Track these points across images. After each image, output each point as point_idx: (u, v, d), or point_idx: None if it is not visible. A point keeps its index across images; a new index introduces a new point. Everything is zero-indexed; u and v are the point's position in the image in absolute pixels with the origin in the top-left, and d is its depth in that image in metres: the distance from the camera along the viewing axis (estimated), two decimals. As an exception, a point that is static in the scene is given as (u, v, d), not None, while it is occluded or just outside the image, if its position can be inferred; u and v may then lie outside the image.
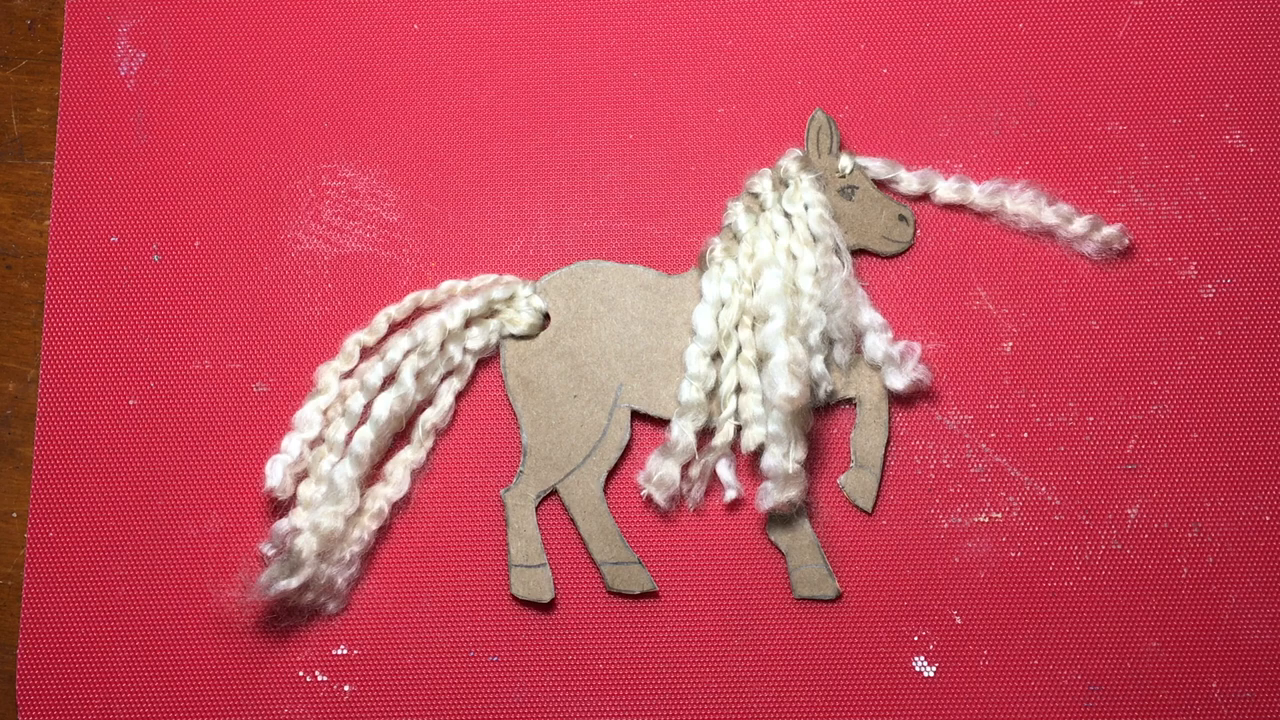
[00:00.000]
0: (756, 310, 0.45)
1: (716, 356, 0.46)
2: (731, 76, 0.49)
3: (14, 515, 0.48)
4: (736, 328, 0.46)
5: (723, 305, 0.46)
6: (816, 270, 0.45)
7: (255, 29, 0.50)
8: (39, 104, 0.50)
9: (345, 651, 0.46)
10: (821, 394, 0.46)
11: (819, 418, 0.47)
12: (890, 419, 0.47)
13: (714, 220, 0.48)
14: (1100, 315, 0.47)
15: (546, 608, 0.46)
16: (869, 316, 0.46)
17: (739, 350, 0.46)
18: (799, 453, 0.44)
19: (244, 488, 0.47)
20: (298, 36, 0.50)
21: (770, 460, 0.44)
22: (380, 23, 0.50)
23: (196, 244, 0.48)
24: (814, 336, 0.45)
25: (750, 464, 0.46)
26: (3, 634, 0.47)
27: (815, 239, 0.46)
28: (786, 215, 0.46)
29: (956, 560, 0.46)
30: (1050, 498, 0.46)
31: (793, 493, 0.44)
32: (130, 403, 0.48)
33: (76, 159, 0.49)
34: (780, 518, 0.46)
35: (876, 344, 0.46)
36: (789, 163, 0.47)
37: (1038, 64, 0.49)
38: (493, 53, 0.50)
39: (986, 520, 0.47)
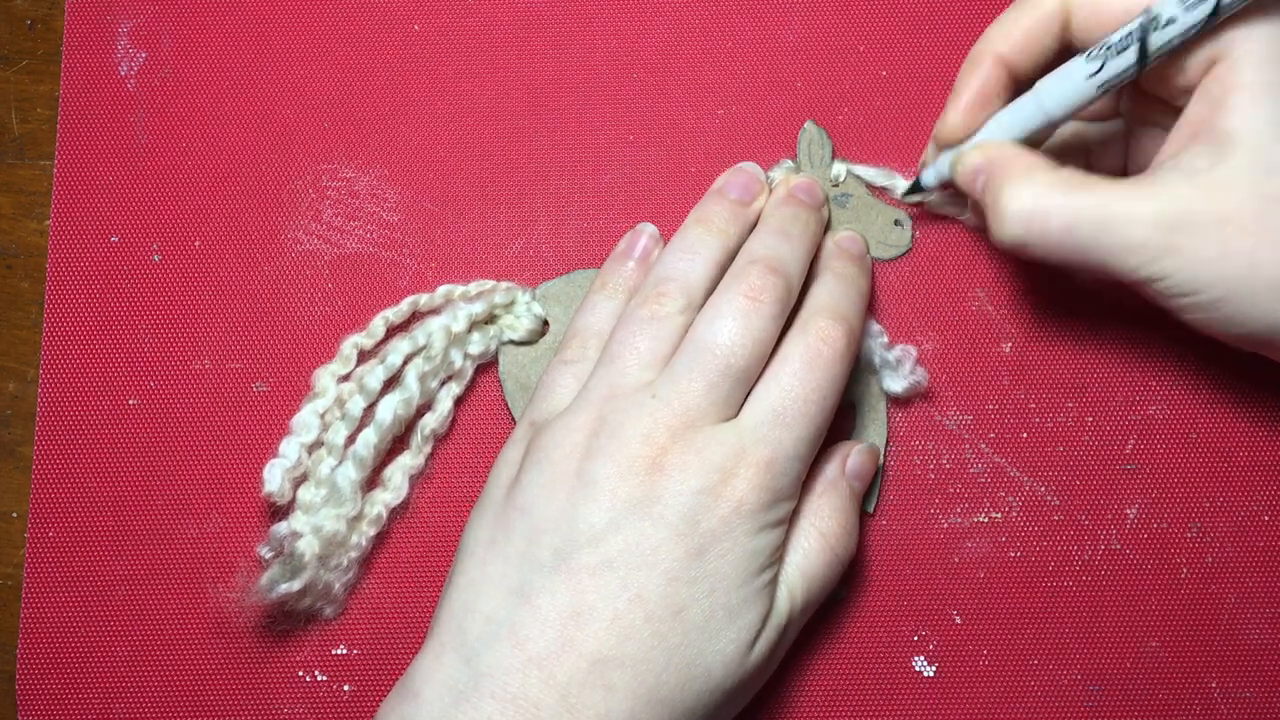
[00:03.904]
0: None
1: None
2: (731, 79, 0.49)
3: (14, 515, 0.48)
4: None
5: None
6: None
7: (255, 29, 0.50)
8: (39, 104, 0.50)
9: (345, 651, 0.46)
10: None
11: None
12: (888, 420, 0.47)
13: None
14: (1100, 315, 0.47)
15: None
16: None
17: None
18: None
19: (244, 488, 0.47)
20: (298, 36, 0.50)
21: None
22: (380, 23, 0.50)
23: (196, 244, 0.49)
24: None
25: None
26: (3, 634, 0.47)
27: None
28: None
29: (956, 560, 0.46)
30: (1050, 498, 0.47)
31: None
32: (130, 402, 0.48)
33: (76, 159, 0.49)
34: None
35: (871, 349, 0.46)
36: (779, 174, 0.47)
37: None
38: (493, 53, 0.50)
39: (986, 520, 0.47)
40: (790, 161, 0.48)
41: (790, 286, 0.42)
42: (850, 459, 0.44)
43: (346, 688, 0.46)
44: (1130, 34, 0.40)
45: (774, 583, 0.40)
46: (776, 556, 0.40)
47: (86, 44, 0.50)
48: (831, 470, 0.43)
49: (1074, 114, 0.42)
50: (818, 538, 0.42)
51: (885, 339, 0.46)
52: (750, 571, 0.39)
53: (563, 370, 0.43)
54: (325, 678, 0.46)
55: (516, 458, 0.42)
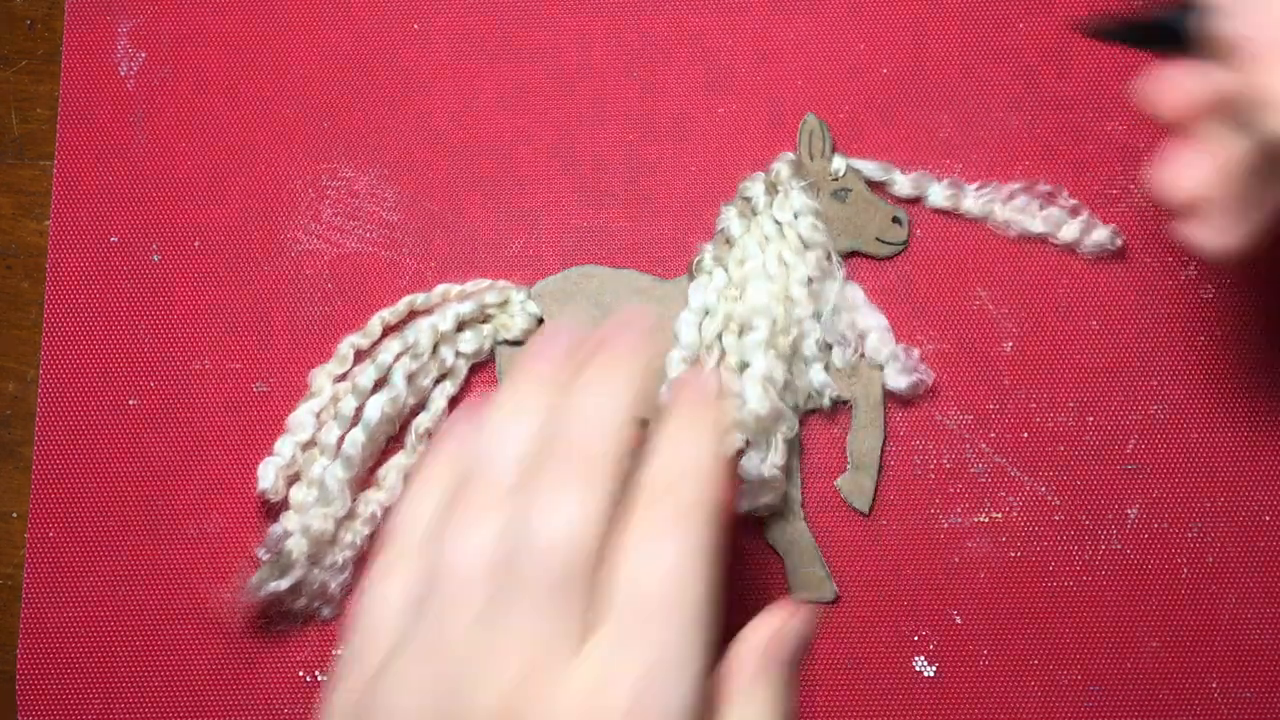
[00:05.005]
0: (741, 319, 0.45)
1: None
2: (732, 76, 0.49)
3: (14, 515, 0.48)
4: (720, 336, 0.46)
5: (707, 313, 0.46)
6: (809, 279, 0.46)
7: (255, 29, 0.50)
8: (39, 104, 0.50)
9: (345, 651, 0.46)
10: (825, 401, 0.46)
11: (816, 420, 0.47)
12: (886, 419, 0.47)
13: (715, 219, 0.48)
14: (1100, 315, 0.47)
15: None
16: (872, 318, 0.46)
17: (721, 357, 0.45)
18: (776, 458, 0.44)
19: (244, 488, 0.47)
20: (298, 36, 0.50)
21: (747, 465, 0.44)
22: (380, 23, 0.50)
23: (196, 244, 0.49)
24: (809, 345, 0.46)
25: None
26: (3, 634, 0.47)
27: (806, 246, 0.46)
28: (777, 222, 0.46)
29: (956, 560, 0.46)
30: (1050, 498, 0.46)
31: (768, 498, 0.44)
32: (130, 403, 0.48)
33: (76, 159, 0.49)
34: (777, 520, 0.46)
35: (879, 345, 0.46)
36: (780, 167, 0.47)
37: (1038, 64, 0.49)
38: (493, 53, 0.50)
39: (986, 520, 0.46)
40: (791, 155, 0.48)
41: (614, 450, 0.33)
42: (767, 643, 0.35)
43: (346, 687, 0.46)
44: None
45: None
46: None
47: (86, 44, 0.50)
48: (750, 664, 0.35)
49: None
50: None
51: (891, 334, 0.46)
52: None
53: (382, 588, 0.35)
54: (325, 678, 0.46)
55: (346, 709, 0.33)
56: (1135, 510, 0.46)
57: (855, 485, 0.46)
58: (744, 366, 0.45)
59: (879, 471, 0.46)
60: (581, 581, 0.31)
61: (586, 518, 0.31)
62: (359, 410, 0.45)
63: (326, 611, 0.46)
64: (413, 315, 0.47)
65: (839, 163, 0.48)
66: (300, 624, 0.46)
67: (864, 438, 0.46)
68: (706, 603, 0.32)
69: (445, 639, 0.31)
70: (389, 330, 0.47)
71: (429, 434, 0.46)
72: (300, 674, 0.46)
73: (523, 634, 0.31)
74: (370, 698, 0.32)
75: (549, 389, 0.35)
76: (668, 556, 0.31)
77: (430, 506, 0.35)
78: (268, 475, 0.44)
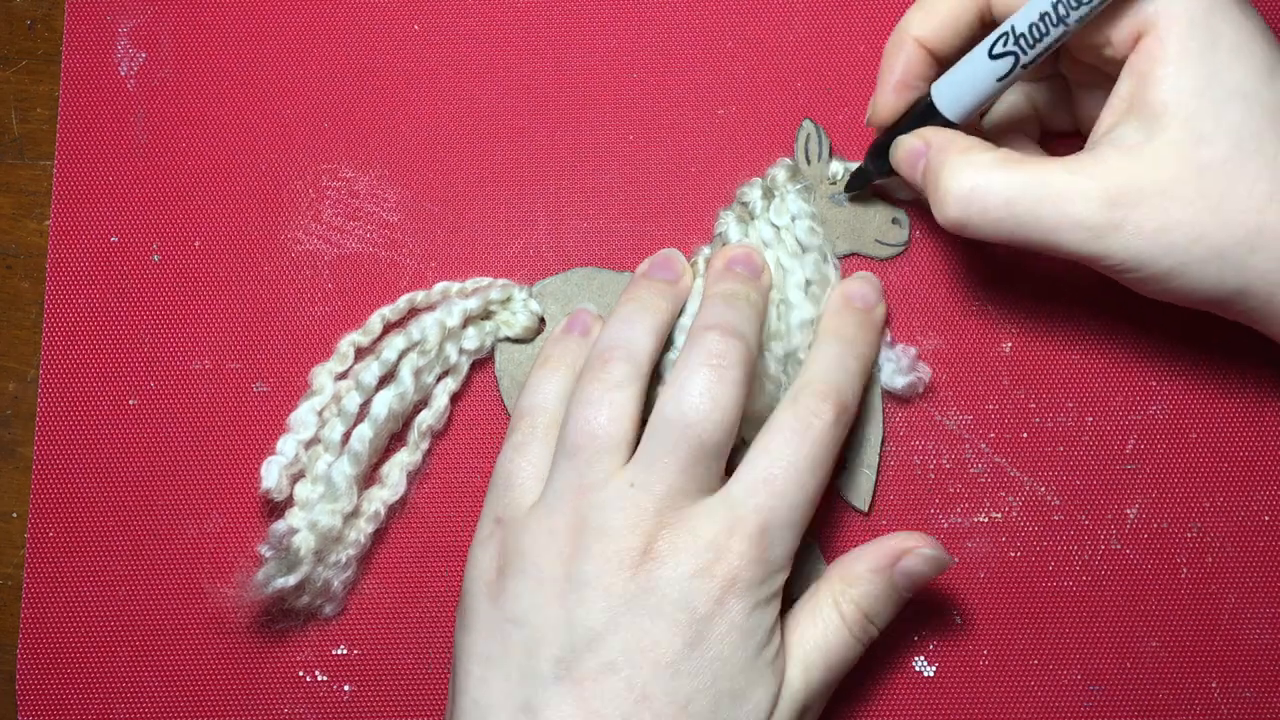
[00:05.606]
0: None
1: None
2: (732, 78, 0.49)
3: (14, 515, 0.48)
4: None
5: None
6: (807, 283, 0.46)
7: (255, 29, 0.50)
8: (39, 104, 0.50)
9: (345, 651, 0.46)
10: None
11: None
12: (885, 419, 0.47)
13: (714, 222, 0.48)
14: (1100, 315, 0.47)
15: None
16: None
17: None
18: None
19: (244, 488, 0.47)
20: (298, 36, 0.50)
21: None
22: (380, 23, 0.50)
23: (196, 244, 0.49)
24: (806, 347, 0.45)
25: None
26: (3, 634, 0.47)
27: (804, 250, 0.46)
28: (775, 226, 0.47)
29: (956, 560, 0.46)
30: (1050, 498, 0.47)
31: None
32: (130, 403, 0.48)
33: (76, 159, 0.49)
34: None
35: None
36: (778, 172, 0.47)
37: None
38: (493, 53, 0.50)
39: (986, 520, 0.47)
40: (789, 160, 0.48)
41: (749, 348, 0.41)
42: (910, 558, 0.41)
43: (346, 688, 0.46)
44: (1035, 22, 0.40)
45: (779, 658, 0.39)
46: (775, 632, 0.39)
47: (86, 44, 0.50)
48: (881, 559, 0.41)
49: (982, 107, 0.43)
50: (837, 618, 0.40)
51: (889, 335, 0.46)
52: (750, 651, 0.38)
53: (516, 457, 0.42)
54: (325, 678, 0.46)
55: (489, 560, 0.40)
56: (1135, 510, 0.46)
57: (854, 484, 0.46)
58: None
59: (878, 470, 0.47)
60: (716, 451, 0.39)
61: (730, 397, 0.39)
62: (364, 406, 0.45)
63: (329, 609, 0.46)
64: (413, 313, 0.47)
65: (837, 166, 0.48)
66: (301, 623, 0.46)
67: (863, 435, 0.46)
68: (820, 485, 0.40)
69: (584, 486, 0.39)
70: (389, 328, 0.47)
71: (431, 432, 0.46)
72: (300, 674, 0.46)
73: (662, 483, 0.39)
74: (514, 538, 0.40)
75: (670, 295, 0.44)
76: (794, 455, 0.40)
77: (552, 392, 0.43)
78: (271, 475, 0.44)
